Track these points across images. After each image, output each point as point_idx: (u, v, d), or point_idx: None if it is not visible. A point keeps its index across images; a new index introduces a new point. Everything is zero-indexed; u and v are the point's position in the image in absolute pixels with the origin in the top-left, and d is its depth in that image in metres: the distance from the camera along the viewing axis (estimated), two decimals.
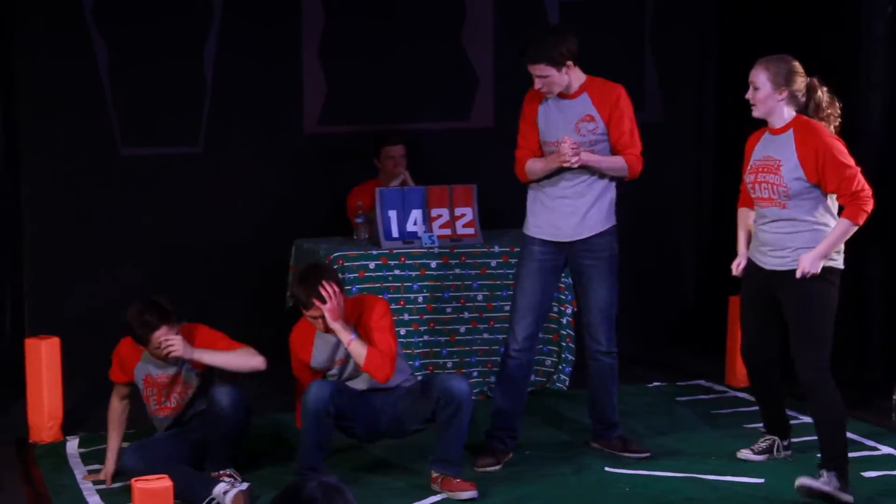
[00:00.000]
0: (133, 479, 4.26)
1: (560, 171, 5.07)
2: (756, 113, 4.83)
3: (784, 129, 4.79)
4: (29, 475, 5.12)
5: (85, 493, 4.89)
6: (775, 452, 5.18)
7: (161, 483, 4.19)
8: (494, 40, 6.91)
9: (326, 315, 4.74)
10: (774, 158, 4.77)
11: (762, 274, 4.91)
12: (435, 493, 4.83)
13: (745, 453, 5.19)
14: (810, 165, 4.68)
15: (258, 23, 6.61)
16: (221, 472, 4.93)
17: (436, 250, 6.04)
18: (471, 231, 6.11)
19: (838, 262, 4.77)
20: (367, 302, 4.96)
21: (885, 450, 5.30)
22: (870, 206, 4.68)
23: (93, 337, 6.21)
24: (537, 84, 5.04)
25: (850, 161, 4.72)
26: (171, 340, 4.69)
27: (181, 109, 6.53)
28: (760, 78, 4.77)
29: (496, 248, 6.06)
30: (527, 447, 5.33)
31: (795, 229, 4.77)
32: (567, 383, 6.21)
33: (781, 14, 6.67)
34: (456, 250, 6.07)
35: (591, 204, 5.10)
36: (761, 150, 4.87)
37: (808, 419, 5.70)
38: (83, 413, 5.79)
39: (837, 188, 4.68)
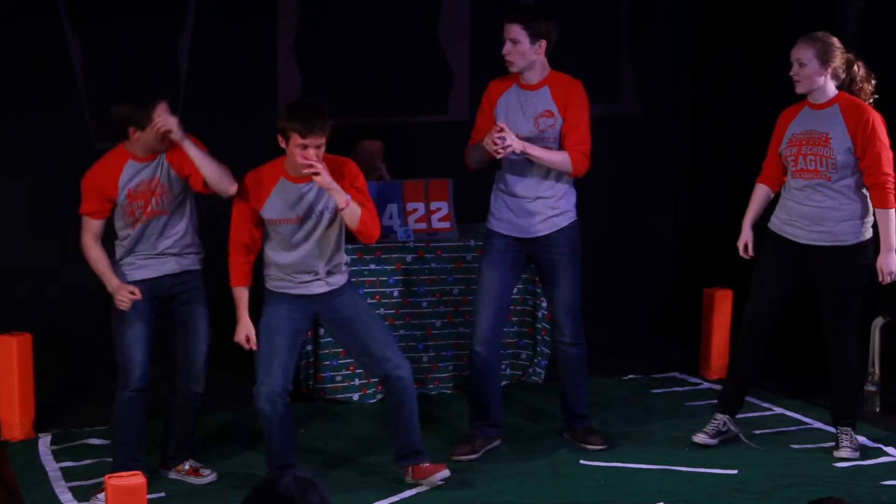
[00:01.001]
0: (106, 476, 4.24)
1: (522, 172, 5.05)
2: (800, 89, 5.00)
3: (828, 104, 4.97)
4: (0, 473, 5.08)
5: (57, 490, 4.86)
6: (731, 431, 5.27)
7: (135, 479, 4.18)
8: (470, 35, 6.91)
9: (324, 176, 4.60)
10: (821, 132, 4.94)
11: (793, 247, 5.03)
12: (410, 486, 4.83)
13: (701, 437, 5.26)
14: (859, 139, 4.88)
15: (233, 16, 6.59)
16: (184, 463, 4.91)
17: (411, 244, 6.03)
18: (446, 225, 6.12)
19: (864, 235, 4.97)
20: (339, 160, 4.83)
21: (858, 439, 5.32)
22: (894, 188, 4.89)
23: (65, 333, 6.18)
24: (505, 49, 5.02)
25: (888, 143, 4.93)
26: (170, 118, 4.64)
27: None
28: (807, 54, 4.93)
29: (472, 242, 6.06)
30: (501, 440, 5.33)
31: (836, 203, 4.94)
32: (542, 376, 6.23)
33: (756, 7, 6.70)
34: (431, 244, 6.07)
35: (553, 205, 5.12)
36: (801, 124, 5.02)
37: (781, 410, 5.77)
38: (55, 410, 5.75)
39: (870, 166, 4.89)
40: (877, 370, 5.69)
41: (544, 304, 6.11)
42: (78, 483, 4.92)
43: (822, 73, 4.93)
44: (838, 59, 4.96)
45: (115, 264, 4.79)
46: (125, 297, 4.69)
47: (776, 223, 5.11)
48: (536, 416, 5.73)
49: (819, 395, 5.88)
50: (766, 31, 5.72)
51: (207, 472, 4.96)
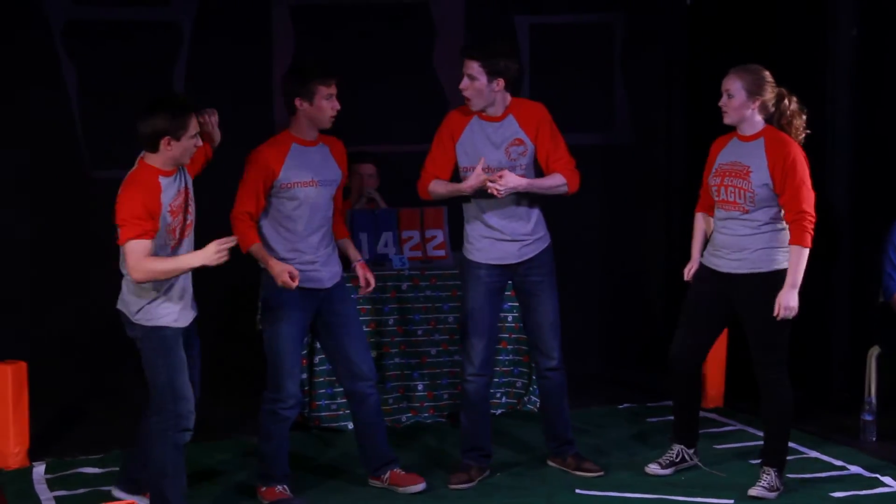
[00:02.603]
0: None
1: (499, 201, 5.03)
2: (728, 120, 4.99)
3: (754, 137, 4.95)
4: None
5: None
6: (687, 460, 5.27)
7: None
8: None
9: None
10: (743, 164, 4.94)
11: (716, 277, 5.04)
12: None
13: (652, 468, 5.27)
14: (778, 175, 4.86)
15: (228, 44, 6.61)
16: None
17: (406, 272, 6.04)
18: (441, 253, 6.14)
19: (780, 264, 4.91)
20: (331, 138, 5.11)
21: (854, 469, 5.33)
22: (812, 228, 4.85)
23: (61, 361, 6.16)
24: (462, 85, 5.03)
25: (809, 181, 4.89)
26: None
27: None
28: (735, 86, 4.94)
29: None
30: (497, 469, 5.33)
31: (754, 232, 4.93)
32: (538, 405, 6.20)
33: (748, 37, 6.74)
34: (427, 272, 6.08)
35: (533, 227, 5.14)
36: (729, 155, 5.02)
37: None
38: (50, 439, 5.73)
39: (788, 202, 4.86)
40: (873, 400, 5.70)
41: None
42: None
43: (749, 106, 4.91)
44: (768, 92, 4.93)
45: (144, 308, 4.55)
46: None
47: (705, 255, 5.15)
48: (532, 444, 5.72)
49: (811, 422, 5.89)
50: (758, 60, 5.74)
51: None
